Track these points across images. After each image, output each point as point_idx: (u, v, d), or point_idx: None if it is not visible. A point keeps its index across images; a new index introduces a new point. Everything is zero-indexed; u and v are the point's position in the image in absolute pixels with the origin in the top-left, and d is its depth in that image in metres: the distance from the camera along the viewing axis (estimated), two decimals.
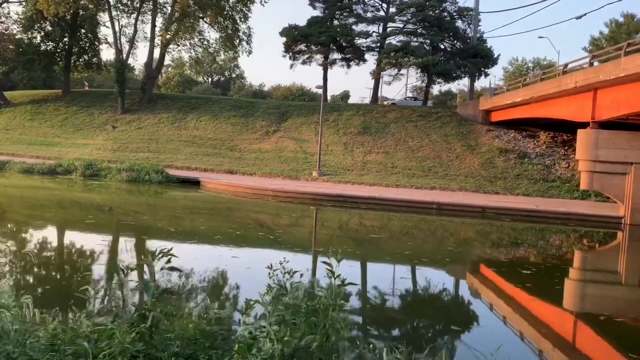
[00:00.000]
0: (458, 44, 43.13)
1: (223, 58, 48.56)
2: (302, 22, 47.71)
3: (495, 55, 41.51)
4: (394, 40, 42.35)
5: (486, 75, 44.09)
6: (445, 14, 41.55)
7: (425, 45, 41.55)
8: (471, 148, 35.25)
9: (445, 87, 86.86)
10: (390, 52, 38.57)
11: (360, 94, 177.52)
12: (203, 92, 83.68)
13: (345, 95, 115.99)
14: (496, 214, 24.05)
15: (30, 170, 32.16)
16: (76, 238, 15.50)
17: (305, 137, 38.97)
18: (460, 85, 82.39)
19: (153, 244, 14.38)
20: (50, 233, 16.45)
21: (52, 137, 41.77)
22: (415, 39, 42.06)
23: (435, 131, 37.74)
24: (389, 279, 12.78)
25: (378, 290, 11.16)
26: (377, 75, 43.00)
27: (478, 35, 42.92)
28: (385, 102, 50.16)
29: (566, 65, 27.01)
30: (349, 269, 12.77)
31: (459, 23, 43.68)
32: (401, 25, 43.06)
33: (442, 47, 43.40)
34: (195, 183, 30.81)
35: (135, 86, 53.40)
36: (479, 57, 40.41)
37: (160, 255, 3.80)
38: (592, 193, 28.08)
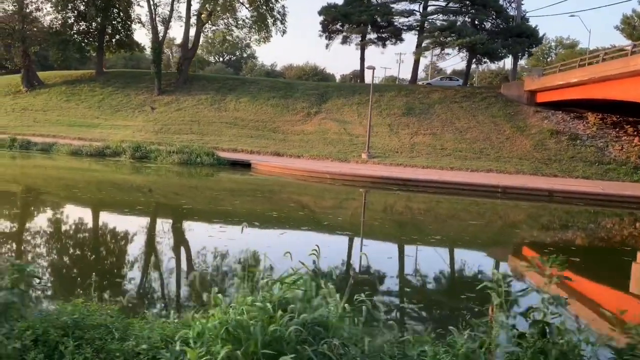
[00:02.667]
0: (500, 22, 42.27)
1: (257, 38, 47.56)
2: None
3: (540, 35, 40.70)
4: (435, 19, 41.55)
5: (530, 55, 43.21)
6: None
7: (468, 24, 40.73)
8: (520, 129, 34.75)
9: (457, 65, 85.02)
10: (435, 31, 37.85)
11: (376, 73, 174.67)
12: (216, 71, 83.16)
13: (356, 75, 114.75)
14: (563, 197, 23.71)
15: (78, 152, 31.94)
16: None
17: (347, 119, 38.58)
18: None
19: (298, 235, 13.84)
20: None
21: (91, 119, 41.58)
22: (457, 18, 41.16)
23: (482, 112, 37.22)
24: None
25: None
26: (418, 55, 42.29)
27: (522, 14, 41.99)
28: (420, 83, 49.43)
29: (634, 45, 26.35)
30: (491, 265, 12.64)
31: (500, 1, 42.74)
32: (443, 4, 42.16)
33: (483, 26, 42.54)
34: (245, 165, 30.57)
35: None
36: (523, 37, 39.59)
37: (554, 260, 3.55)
38: None
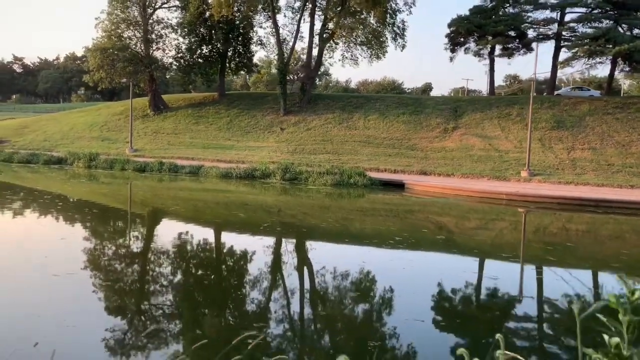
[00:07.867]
0: None
1: (375, 54, 46.69)
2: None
3: None
4: (576, 27, 39.03)
5: None
6: None
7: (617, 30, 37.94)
8: None
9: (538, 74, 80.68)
10: (585, 39, 35.39)
11: (449, 85, 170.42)
12: (294, 89, 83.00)
13: (428, 88, 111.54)
14: None
15: (228, 175, 31.93)
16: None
17: (490, 134, 36.69)
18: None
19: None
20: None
21: (224, 140, 41.97)
22: (603, 23, 38.35)
23: None
24: None
25: None
26: (563, 66, 39.83)
27: None
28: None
29: None
30: None
31: None
32: (584, 10, 39.55)
33: (632, 31, 39.51)
34: (398, 186, 29.38)
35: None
36: None
37: None
38: None
